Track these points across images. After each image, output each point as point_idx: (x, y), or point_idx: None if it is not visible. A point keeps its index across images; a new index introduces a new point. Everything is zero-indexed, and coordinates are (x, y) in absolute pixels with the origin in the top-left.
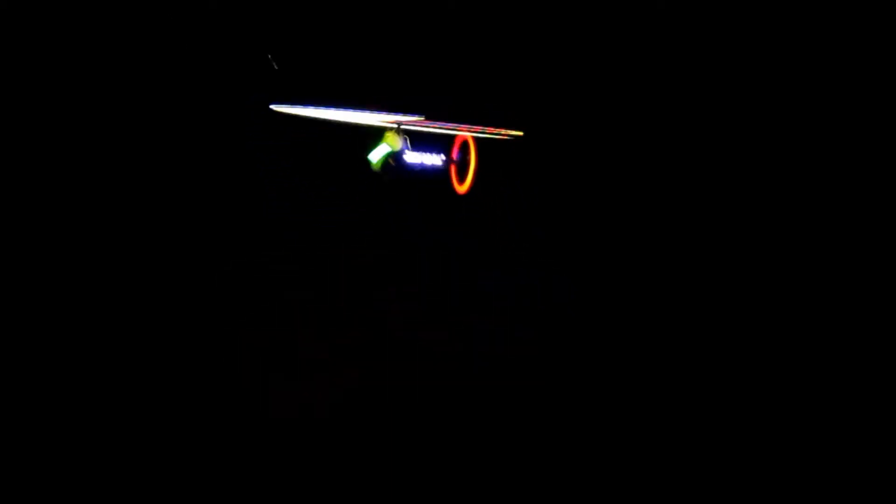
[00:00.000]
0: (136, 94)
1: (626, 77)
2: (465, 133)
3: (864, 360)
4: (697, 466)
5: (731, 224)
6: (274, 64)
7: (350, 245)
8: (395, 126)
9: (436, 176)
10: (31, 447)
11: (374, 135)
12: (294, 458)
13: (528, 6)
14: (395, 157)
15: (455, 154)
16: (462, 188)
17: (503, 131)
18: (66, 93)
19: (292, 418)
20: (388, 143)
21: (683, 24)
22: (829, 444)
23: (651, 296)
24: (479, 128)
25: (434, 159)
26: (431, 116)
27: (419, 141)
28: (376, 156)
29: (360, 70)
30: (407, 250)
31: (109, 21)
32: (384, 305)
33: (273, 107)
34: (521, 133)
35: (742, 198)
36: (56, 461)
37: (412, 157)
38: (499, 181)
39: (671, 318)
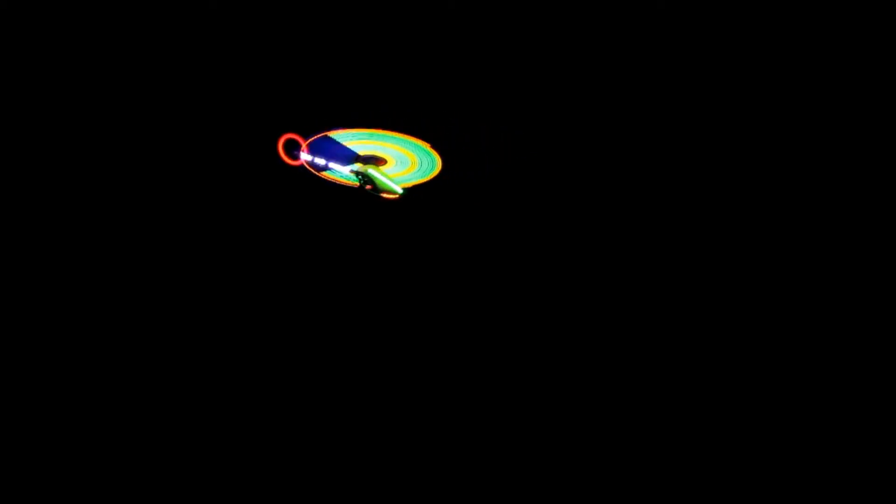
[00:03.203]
0: (138, 95)
1: (625, 75)
2: None
3: (865, 361)
4: (697, 466)
5: (731, 224)
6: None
7: (350, 245)
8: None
9: None
10: (33, 447)
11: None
12: (293, 458)
13: None
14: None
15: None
16: None
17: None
18: (67, 92)
19: (292, 418)
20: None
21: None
22: (830, 444)
23: (651, 295)
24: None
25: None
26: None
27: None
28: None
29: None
30: (407, 251)
31: (118, 26)
32: (384, 305)
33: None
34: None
35: (743, 198)
36: (56, 461)
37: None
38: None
39: (671, 318)
